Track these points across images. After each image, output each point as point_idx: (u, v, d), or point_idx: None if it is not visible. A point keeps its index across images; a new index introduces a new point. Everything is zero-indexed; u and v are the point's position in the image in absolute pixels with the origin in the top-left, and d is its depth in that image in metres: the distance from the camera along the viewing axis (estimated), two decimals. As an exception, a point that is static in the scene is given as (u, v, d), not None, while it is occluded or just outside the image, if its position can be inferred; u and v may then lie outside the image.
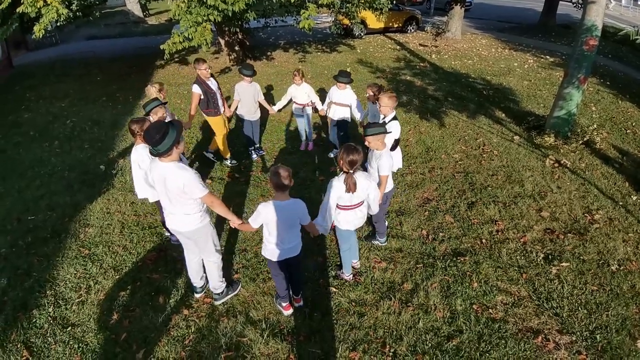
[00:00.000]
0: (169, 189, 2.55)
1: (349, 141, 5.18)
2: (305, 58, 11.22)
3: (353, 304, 3.11)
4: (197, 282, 3.13)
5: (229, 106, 5.16)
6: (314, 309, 3.05)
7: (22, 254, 3.73)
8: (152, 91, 4.19)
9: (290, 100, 5.43)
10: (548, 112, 6.71)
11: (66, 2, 6.07)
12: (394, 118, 3.72)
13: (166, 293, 3.21)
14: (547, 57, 11.09)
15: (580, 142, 5.66)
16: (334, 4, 9.72)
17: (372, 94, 4.35)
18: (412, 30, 15.48)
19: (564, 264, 3.49)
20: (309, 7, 7.00)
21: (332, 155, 5.44)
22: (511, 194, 4.54)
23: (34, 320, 3.01)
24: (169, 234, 3.77)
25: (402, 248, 3.72)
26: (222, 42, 10.57)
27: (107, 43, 14.40)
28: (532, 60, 10.70)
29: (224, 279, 3.12)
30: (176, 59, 11.53)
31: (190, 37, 6.50)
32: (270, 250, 2.75)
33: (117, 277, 3.44)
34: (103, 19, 20.00)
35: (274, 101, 5.58)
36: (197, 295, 3.18)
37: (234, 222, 2.82)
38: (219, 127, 4.95)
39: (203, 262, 3.05)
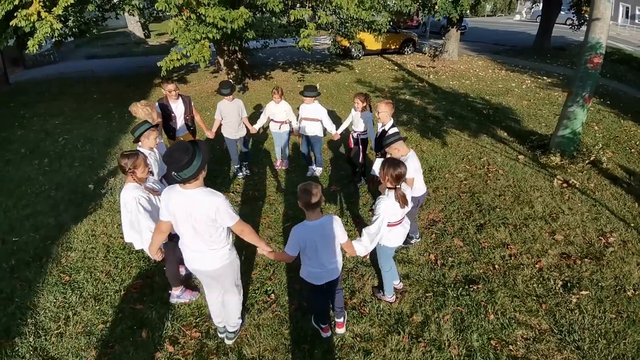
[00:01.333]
0: (196, 219, 2.21)
1: (320, 157, 5.16)
2: (304, 77, 11.22)
3: (358, 339, 2.81)
4: (220, 321, 2.80)
5: (210, 128, 4.99)
6: (314, 346, 2.75)
7: (6, 277, 3.47)
8: (139, 112, 3.75)
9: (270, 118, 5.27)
10: (550, 131, 6.61)
11: (62, 18, 5.96)
12: (393, 125, 3.71)
13: (150, 327, 2.90)
14: (545, 77, 11.15)
15: (587, 161, 5.50)
16: (333, 24, 9.82)
17: (360, 102, 4.47)
18: (409, 52, 15.70)
19: (583, 292, 3.23)
20: (309, 25, 6.98)
21: (309, 174, 5.29)
22: (521, 215, 4.31)
23: (17, 348, 2.77)
24: (184, 272, 3.38)
25: (409, 274, 3.45)
26: (221, 61, 10.57)
27: (107, 62, 14.43)
28: (529, 81, 10.75)
29: (241, 314, 2.82)
30: (175, 78, 11.51)
31: (188, 54, 6.41)
32: (312, 274, 2.52)
33: (98, 307, 3.13)
34: (104, 40, 20.26)
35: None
36: (228, 342, 2.78)
37: (265, 250, 2.50)
38: None
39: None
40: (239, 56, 10.66)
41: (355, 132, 4.71)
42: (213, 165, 5.68)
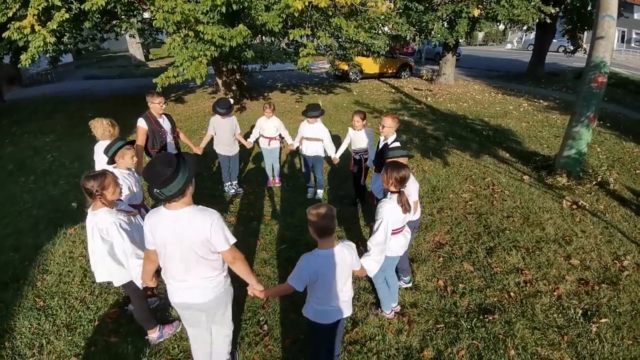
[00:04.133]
0: (187, 243, 1.89)
1: (320, 178, 4.90)
2: (301, 99, 11.21)
3: (362, 377, 2.47)
4: None
5: (198, 144, 4.80)
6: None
7: None
8: (98, 128, 3.24)
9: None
10: (552, 152, 6.49)
11: (57, 34, 5.88)
12: (396, 140, 3.55)
13: (125, 363, 2.54)
14: (541, 101, 11.22)
15: (594, 182, 5.33)
16: (332, 47, 9.90)
17: (360, 120, 4.30)
18: (406, 76, 15.94)
19: (602, 320, 2.97)
20: (308, 45, 6.96)
21: (309, 196, 5.02)
22: (532, 238, 4.06)
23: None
24: (155, 302, 3.03)
25: (417, 303, 3.14)
26: (219, 82, 10.55)
27: (105, 82, 14.43)
28: (526, 104, 10.80)
29: (230, 354, 2.47)
30: (172, 98, 11.45)
31: (184, 71, 6.31)
32: (322, 313, 2.12)
33: (70, 337, 2.78)
34: (105, 62, 20.48)
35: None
36: None
37: (255, 289, 2.14)
38: None
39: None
40: (238, 77, 10.67)
41: (356, 152, 4.48)
42: (209, 183, 5.45)
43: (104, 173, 2.37)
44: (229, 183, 5.14)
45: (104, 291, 3.23)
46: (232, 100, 4.88)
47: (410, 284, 3.32)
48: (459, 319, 2.95)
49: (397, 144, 3.49)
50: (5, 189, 5.40)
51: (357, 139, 4.43)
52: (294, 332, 2.82)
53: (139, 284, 2.37)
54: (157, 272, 2.22)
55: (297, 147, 4.89)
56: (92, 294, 3.20)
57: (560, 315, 3.00)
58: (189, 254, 1.92)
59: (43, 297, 3.20)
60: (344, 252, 2.04)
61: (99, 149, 3.26)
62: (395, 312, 2.99)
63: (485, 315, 2.97)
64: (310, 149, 4.68)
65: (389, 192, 2.53)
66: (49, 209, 4.73)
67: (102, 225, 2.30)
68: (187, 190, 1.89)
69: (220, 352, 2.36)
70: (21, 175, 5.84)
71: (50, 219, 4.48)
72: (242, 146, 5.06)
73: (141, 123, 4.00)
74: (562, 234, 4.15)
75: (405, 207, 2.48)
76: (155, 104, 4.06)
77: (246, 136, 5.22)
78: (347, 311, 2.17)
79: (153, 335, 2.71)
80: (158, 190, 1.81)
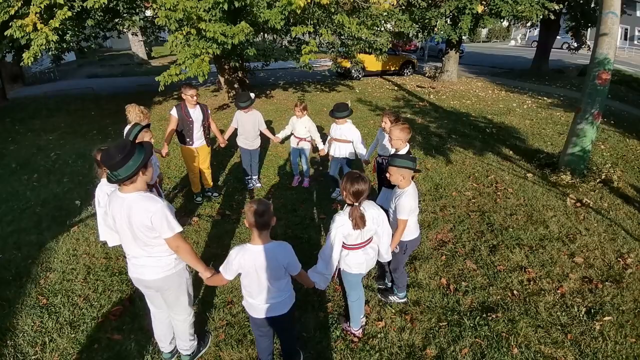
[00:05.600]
0: (133, 225, 1.99)
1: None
2: (304, 96, 11.19)
3: (365, 375, 2.47)
4: (165, 346, 2.50)
5: (223, 136, 4.88)
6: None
7: None
8: (131, 113, 3.58)
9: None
10: (556, 150, 6.45)
11: (59, 32, 5.87)
12: (409, 152, 3.16)
13: (128, 360, 2.55)
14: (545, 98, 11.14)
15: (598, 180, 5.29)
16: (334, 44, 9.87)
17: (388, 121, 3.74)
18: (409, 74, 15.86)
19: (606, 317, 2.96)
20: (310, 42, 6.93)
21: (334, 196, 4.93)
22: (536, 236, 4.04)
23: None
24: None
25: (419, 300, 3.13)
26: (221, 80, 10.54)
27: (108, 81, 14.45)
28: (530, 101, 10.72)
29: (195, 335, 2.51)
30: (175, 96, 11.45)
31: (186, 69, 6.30)
32: (250, 305, 2.18)
33: (73, 335, 2.79)
34: (108, 61, 20.51)
35: (273, 134, 5.24)
36: None
37: (203, 274, 2.20)
38: (189, 158, 4.52)
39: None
40: (240, 75, 10.66)
41: (381, 156, 3.99)
42: (234, 182, 5.47)
43: None
44: (249, 177, 5.19)
45: (108, 288, 3.25)
46: (253, 95, 4.88)
47: (404, 300, 3.09)
48: (462, 317, 2.94)
49: (395, 153, 3.13)
50: (9, 186, 5.42)
51: (385, 142, 3.92)
52: (298, 330, 2.81)
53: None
54: None
55: (327, 151, 4.75)
56: (96, 292, 3.21)
57: (563, 314, 2.99)
58: (135, 235, 2.03)
59: (46, 295, 3.21)
60: (274, 252, 2.03)
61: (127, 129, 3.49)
62: (355, 335, 2.78)
63: (488, 314, 2.96)
64: (338, 151, 4.49)
65: (346, 205, 2.38)
66: (52, 207, 4.75)
67: (99, 192, 2.63)
68: (137, 177, 1.97)
69: (182, 335, 2.42)
70: (25, 173, 5.86)
71: (54, 216, 4.49)
72: (267, 139, 5.07)
73: (172, 112, 4.36)
74: (566, 232, 4.12)
75: (357, 223, 2.27)
76: (187, 96, 4.28)
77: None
78: (277, 311, 2.15)
79: None
80: (108, 173, 1.95)
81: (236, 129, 4.91)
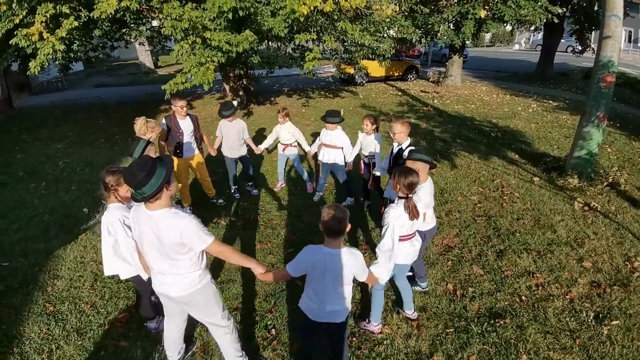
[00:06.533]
0: (162, 241, 1.98)
1: (351, 185, 4.87)
2: (308, 103, 11.25)
3: (371, 383, 2.45)
4: (173, 355, 2.49)
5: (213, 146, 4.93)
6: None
7: None
8: (137, 125, 3.54)
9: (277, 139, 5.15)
10: (563, 153, 6.40)
11: (66, 42, 5.96)
12: (410, 144, 3.49)
13: (135, 368, 2.56)
14: (550, 101, 11.07)
15: (605, 183, 5.23)
16: (338, 51, 9.94)
17: (369, 124, 4.19)
18: (412, 79, 15.88)
19: (614, 322, 2.93)
20: (313, 49, 7.00)
21: (315, 199, 5.00)
22: (544, 240, 3.99)
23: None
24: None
25: (426, 306, 3.10)
26: (226, 87, 10.65)
27: (115, 90, 14.66)
28: (535, 105, 10.66)
29: (243, 352, 2.45)
30: (180, 104, 11.58)
31: (191, 77, 6.39)
32: (310, 308, 2.19)
33: (80, 342, 2.81)
34: (115, 70, 20.85)
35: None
36: None
37: (257, 270, 2.21)
38: (179, 169, 4.44)
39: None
40: (245, 82, 10.75)
41: (366, 156, 4.44)
42: (217, 186, 5.48)
43: (122, 170, 2.46)
44: (236, 186, 5.18)
45: (115, 295, 3.27)
46: (236, 103, 4.93)
47: (427, 288, 3.29)
48: (469, 323, 2.91)
49: (413, 148, 3.40)
50: (16, 194, 5.48)
51: (367, 143, 4.36)
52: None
53: (144, 275, 2.51)
54: None
55: (315, 153, 4.87)
56: (103, 299, 3.23)
57: (572, 319, 2.94)
58: (163, 252, 2.01)
59: (53, 302, 3.24)
60: (347, 257, 2.05)
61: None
62: (411, 319, 2.96)
63: (496, 320, 2.93)
64: (327, 156, 4.58)
65: (397, 197, 2.52)
66: (60, 215, 4.80)
67: (109, 219, 2.46)
68: (162, 193, 1.95)
69: (228, 352, 2.38)
70: (32, 182, 5.95)
71: (62, 224, 4.54)
72: (251, 150, 5.10)
73: (162, 122, 4.37)
74: (574, 236, 4.08)
75: (413, 213, 2.42)
76: (177, 107, 4.31)
77: (254, 141, 5.25)
78: (337, 318, 2.17)
79: (151, 324, 2.86)
80: (134, 191, 1.92)
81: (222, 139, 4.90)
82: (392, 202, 2.97)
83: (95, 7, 5.41)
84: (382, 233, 2.46)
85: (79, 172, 6.28)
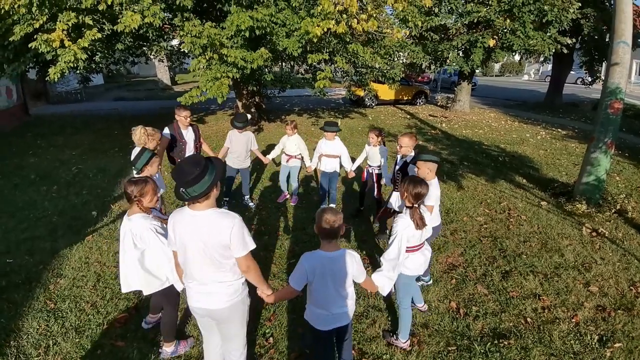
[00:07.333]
0: (207, 246, 1.87)
1: (334, 194, 5.01)
2: (317, 122, 11.45)
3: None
4: None
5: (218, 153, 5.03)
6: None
7: None
8: (136, 135, 3.44)
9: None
10: (572, 179, 6.36)
11: (89, 52, 6.15)
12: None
13: (130, 367, 2.53)
14: (559, 130, 11.10)
15: (613, 210, 5.17)
16: (349, 72, 10.21)
17: (374, 137, 4.49)
18: (421, 103, 16.13)
19: (616, 344, 2.86)
20: (325, 68, 7.22)
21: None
22: (551, 264, 3.92)
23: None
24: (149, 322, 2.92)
25: (427, 323, 3.04)
26: (239, 104, 10.94)
27: (133, 104, 15.17)
28: (544, 132, 10.69)
29: None
30: (195, 118, 11.90)
31: (206, 91, 6.61)
32: (319, 317, 2.13)
33: (77, 340, 2.80)
34: (134, 86, 21.66)
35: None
36: None
37: (265, 293, 2.12)
38: None
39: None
40: (257, 100, 11.05)
41: (370, 166, 4.69)
42: (237, 197, 5.54)
43: (145, 180, 2.43)
44: (226, 199, 5.18)
45: (115, 296, 3.27)
46: (249, 115, 5.07)
47: (430, 282, 3.47)
48: (472, 342, 2.83)
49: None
50: (26, 196, 5.59)
51: (372, 154, 4.62)
52: (300, 346, 2.77)
53: (180, 286, 2.39)
54: None
55: (315, 167, 5.02)
56: (104, 299, 3.24)
57: (577, 342, 2.85)
58: (209, 256, 1.90)
59: (54, 300, 3.25)
60: (344, 259, 2.05)
61: (134, 153, 3.44)
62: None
63: (500, 340, 2.84)
64: (328, 165, 4.81)
65: (404, 207, 2.54)
66: (69, 217, 4.89)
67: (136, 230, 2.33)
68: (212, 193, 1.89)
69: None
70: (44, 185, 6.07)
71: (70, 225, 4.62)
72: (257, 160, 5.20)
73: (165, 131, 4.35)
74: (582, 260, 3.99)
75: (418, 223, 2.43)
76: (181, 117, 4.40)
77: (264, 154, 5.36)
78: (344, 320, 2.16)
79: (168, 349, 2.65)
80: (184, 190, 1.82)
81: (228, 148, 4.99)
82: (394, 212, 3.33)
83: (119, 21, 5.69)
84: (389, 242, 2.46)
85: (91, 178, 6.43)
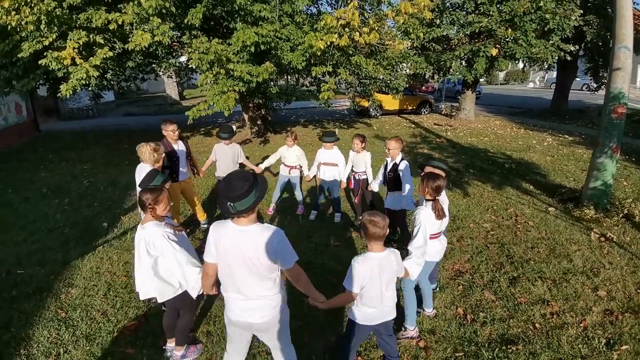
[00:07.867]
0: (251, 261, 1.89)
1: (340, 201, 5.09)
2: (323, 133, 11.57)
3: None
4: None
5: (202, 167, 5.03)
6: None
7: (5, 307, 3.36)
8: (144, 152, 3.50)
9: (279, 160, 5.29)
10: (579, 185, 6.31)
11: (100, 69, 6.32)
12: (403, 159, 4.01)
13: (139, 375, 2.57)
14: (566, 136, 11.04)
15: (621, 215, 5.11)
16: (353, 84, 10.37)
17: (359, 143, 4.68)
18: (426, 112, 16.21)
19: (623, 347, 2.83)
20: (329, 80, 7.37)
21: (312, 218, 5.19)
22: (559, 269, 3.88)
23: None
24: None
25: (434, 329, 3.03)
26: (245, 117, 11.15)
27: (142, 119, 15.53)
28: (550, 139, 10.64)
29: None
30: (202, 132, 12.14)
31: (213, 104, 6.78)
32: (368, 315, 2.26)
33: (88, 347, 2.85)
34: (143, 102, 22.21)
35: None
36: None
37: (318, 300, 2.14)
38: (174, 192, 4.32)
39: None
40: (263, 112, 11.25)
41: (356, 172, 4.87)
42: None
43: (160, 188, 2.50)
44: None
45: (125, 304, 3.33)
46: (234, 127, 5.12)
47: (437, 289, 3.53)
48: (480, 348, 2.81)
49: (405, 162, 3.99)
50: (37, 209, 5.71)
51: (357, 161, 4.81)
52: (307, 355, 2.77)
53: (195, 293, 2.44)
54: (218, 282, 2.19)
55: (314, 176, 5.10)
56: (114, 307, 3.30)
57: (585, 346, 2.82)
58: (255, 271, 1.92)
59: (65, 309, 3.32)
60: (390, 258, 2.21)
61: (141, 169, 3.54)
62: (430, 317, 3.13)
63: (508, 346, 2.82)
64: (327, 174, 4.91)
65: (424, 200, 2.78)
66: (80, 229, 5.00)
67: (149, 237, 2.36)
68: (255, 209, 1.93)
69: None
70: (56, 198, 6.22)
71: (81, 237, 4.73)
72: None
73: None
74: (590, 265, 3.95)
75: (439, 213, 2.70)
76: (168, 131, 4.35)
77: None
78: (392, 314, 2.32)
79: (178, 352, 2.67)
80: (231, 204, 1.84)
81: (214, 162, 4.93)
82: (393, 211, 3.71)
83: (130, 40, 5.92)
84: (414, 232, 2.64)
85: (102, 191, 6.57)
